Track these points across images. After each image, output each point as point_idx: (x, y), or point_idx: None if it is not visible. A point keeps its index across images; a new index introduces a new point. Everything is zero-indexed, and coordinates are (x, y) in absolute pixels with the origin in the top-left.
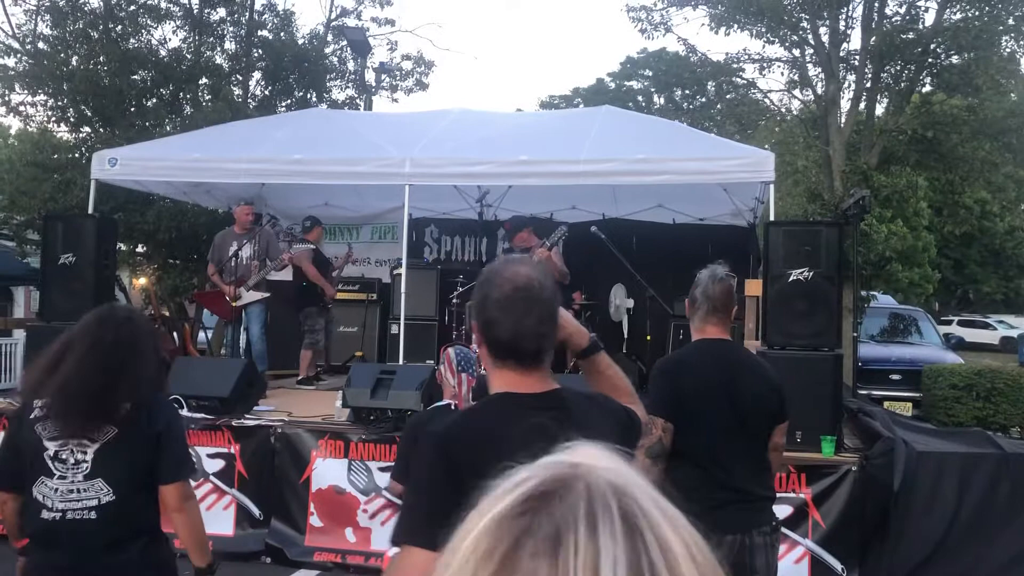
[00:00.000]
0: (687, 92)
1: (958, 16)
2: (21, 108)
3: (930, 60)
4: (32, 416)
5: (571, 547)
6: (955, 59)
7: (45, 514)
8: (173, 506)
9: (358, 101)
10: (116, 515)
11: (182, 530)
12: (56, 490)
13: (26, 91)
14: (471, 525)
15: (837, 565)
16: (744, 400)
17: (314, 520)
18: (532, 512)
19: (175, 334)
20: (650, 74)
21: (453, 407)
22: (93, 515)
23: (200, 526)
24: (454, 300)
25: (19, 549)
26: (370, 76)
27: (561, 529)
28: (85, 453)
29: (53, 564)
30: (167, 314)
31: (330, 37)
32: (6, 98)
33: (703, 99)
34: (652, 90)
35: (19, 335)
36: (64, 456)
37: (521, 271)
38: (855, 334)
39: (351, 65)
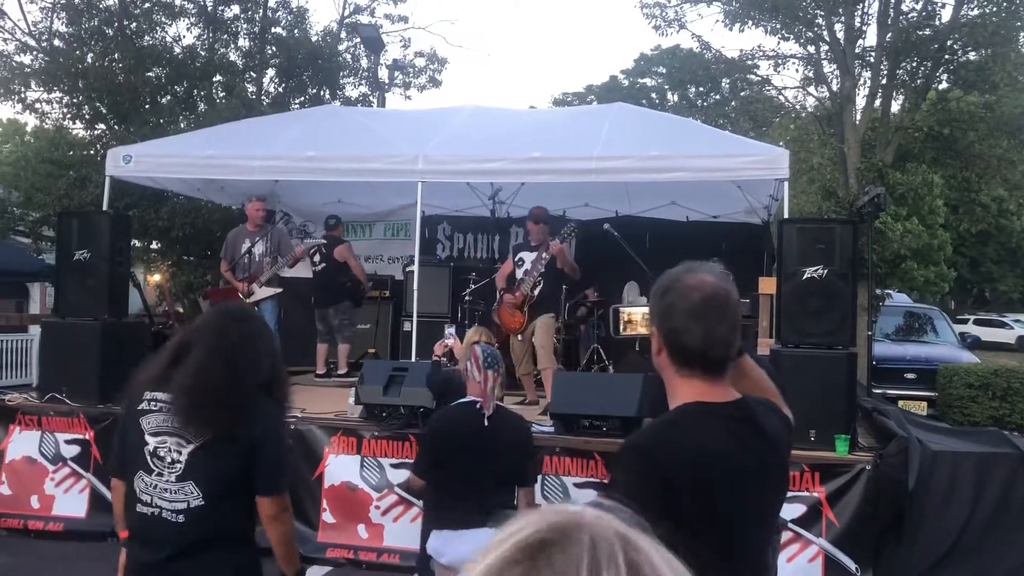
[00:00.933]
0: (701, 89)
1: (975, 12)
2: (37, 105)
3: (947, 57)
4: (139, 408)
5: None
6: (972, 56)
7: (141, 508)
8: (268, 516)
9: (371, 98)
10: (204, 520)
11: (274, 539)
12: (155, 486)
13: (42, 88)
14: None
15: (851, 564)
16: None
17: (327, 516)
18: (530, 561)
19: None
20: (664, 71)
21: (479, 405)
22: (181, 518)
23: (292, 537)
24: (466, 297)
25: (122, 540)
26: (383, 73)
27: None
28: (180, 453)
29: (145, 561)
30: (180, 310)
31: (344, 34)
32: (22, 95)
33: (717, 96)
34: (666, 87)
35: (35, 331)
36: (162, 453)
37: (707, 279)
38: (870, 332)
39: (364, 62)
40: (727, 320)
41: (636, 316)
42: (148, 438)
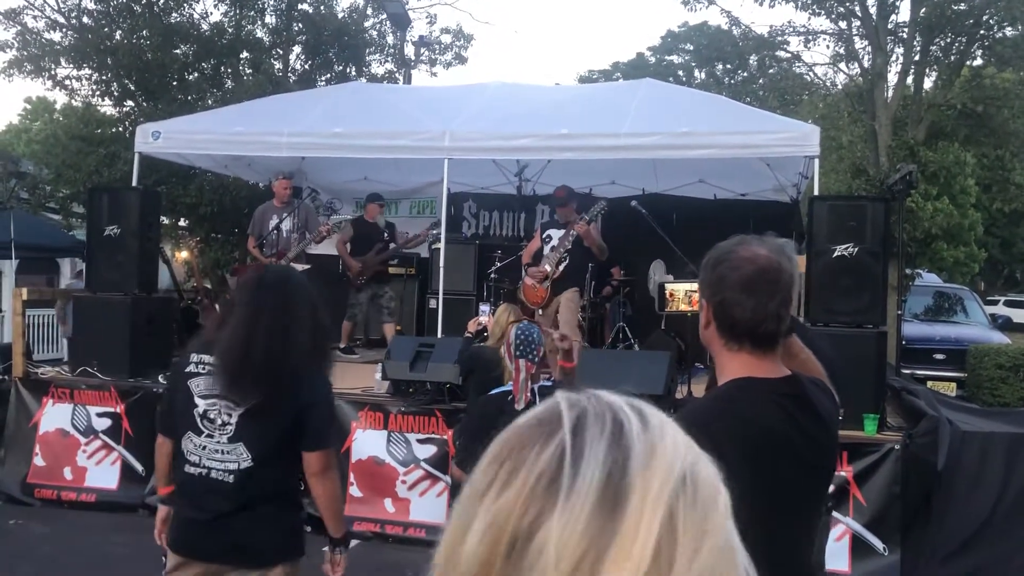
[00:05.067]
0: (728, 66)
1: None
2: (66, 82)
3: (982, 32)
4: (187, 370)
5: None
6: (1008, 31)
7: (189, 468)
8: (314, 473)
9: (397, 75)
10: (252, 480)
11: (320, 498)
12: (204, 447)
13: (71, 65)
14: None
15: (879, 544)
16: None
17: (353, 490)
18: (537, 422)
19: (217, 307)
20: (691, 48)
21: (510, 397)
22: (231, 478)
23: (338, 497)
24: (492, 275)
25: (161, 497)
26: (409, 50)
27: (554, 429)
28: (231, 416)
29: (192, 518)
30: (208, 287)
31: (370, 11)
32: (52, 72)
33: (744, 74)
34: (693, 64)
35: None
36: (212, 416)
37: (761, 252)
38: (899, 312)
39: (390, 39)
40: (779, 294)
41: (679, 292)
42: (197, 400)
